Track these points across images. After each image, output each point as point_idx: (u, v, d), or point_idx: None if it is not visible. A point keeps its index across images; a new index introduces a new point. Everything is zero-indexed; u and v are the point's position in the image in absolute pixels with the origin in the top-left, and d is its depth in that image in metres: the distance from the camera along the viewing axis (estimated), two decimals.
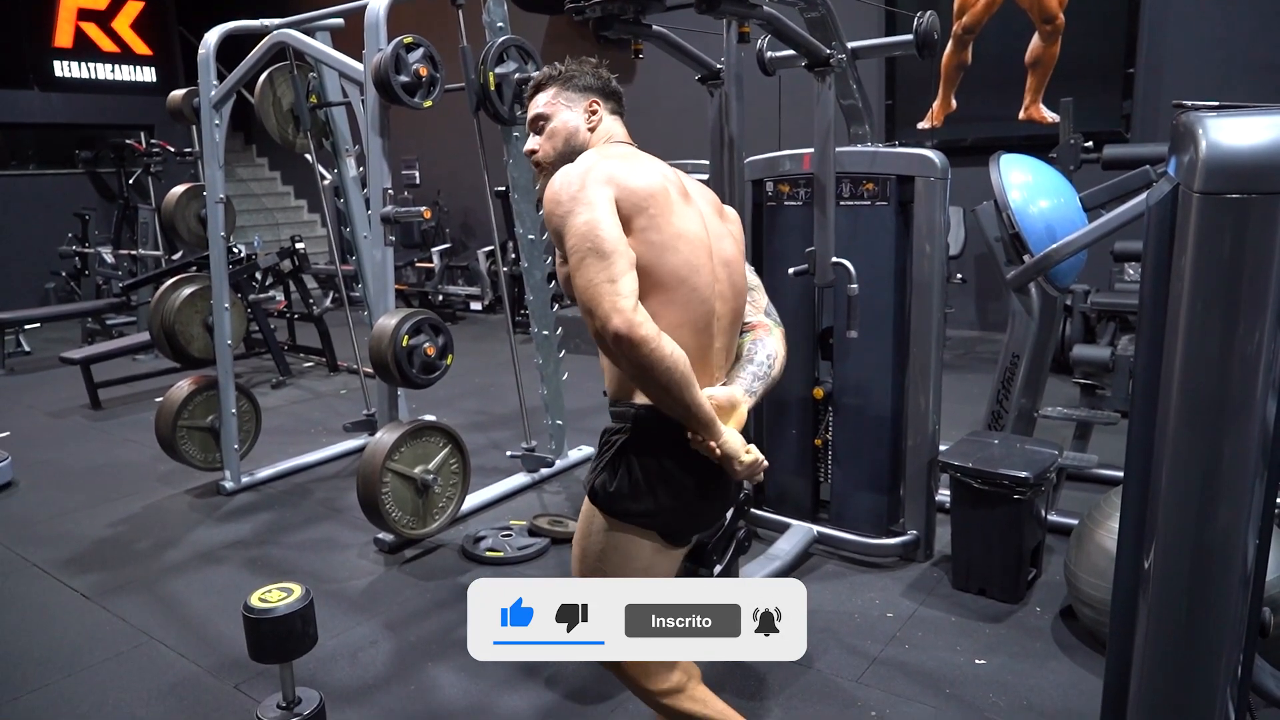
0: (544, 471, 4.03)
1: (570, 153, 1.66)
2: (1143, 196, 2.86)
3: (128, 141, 8.66)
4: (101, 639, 2.81)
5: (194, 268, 5.68)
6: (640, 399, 1.56)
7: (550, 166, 1.66)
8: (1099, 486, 3.52)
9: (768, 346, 1.70)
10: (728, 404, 1.56)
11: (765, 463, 1.56)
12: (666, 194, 1.55)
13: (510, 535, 3.37)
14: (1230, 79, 5.50)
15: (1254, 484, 1.24)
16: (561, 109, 1.69)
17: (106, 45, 10.29)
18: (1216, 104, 1.23)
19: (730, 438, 1.51)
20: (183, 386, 4.03)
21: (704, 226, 1.60)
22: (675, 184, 1.60)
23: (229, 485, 4.04)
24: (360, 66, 3.27)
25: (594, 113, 1.70)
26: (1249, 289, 1.15)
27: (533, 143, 1.72)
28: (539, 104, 1.71)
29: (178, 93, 4.09)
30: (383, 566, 3.26)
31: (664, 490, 1.56)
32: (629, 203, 1.49)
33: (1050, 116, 6.07)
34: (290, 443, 4.72)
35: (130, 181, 8.77)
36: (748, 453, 1.52)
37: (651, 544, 1.60)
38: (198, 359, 4.11)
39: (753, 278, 1.80)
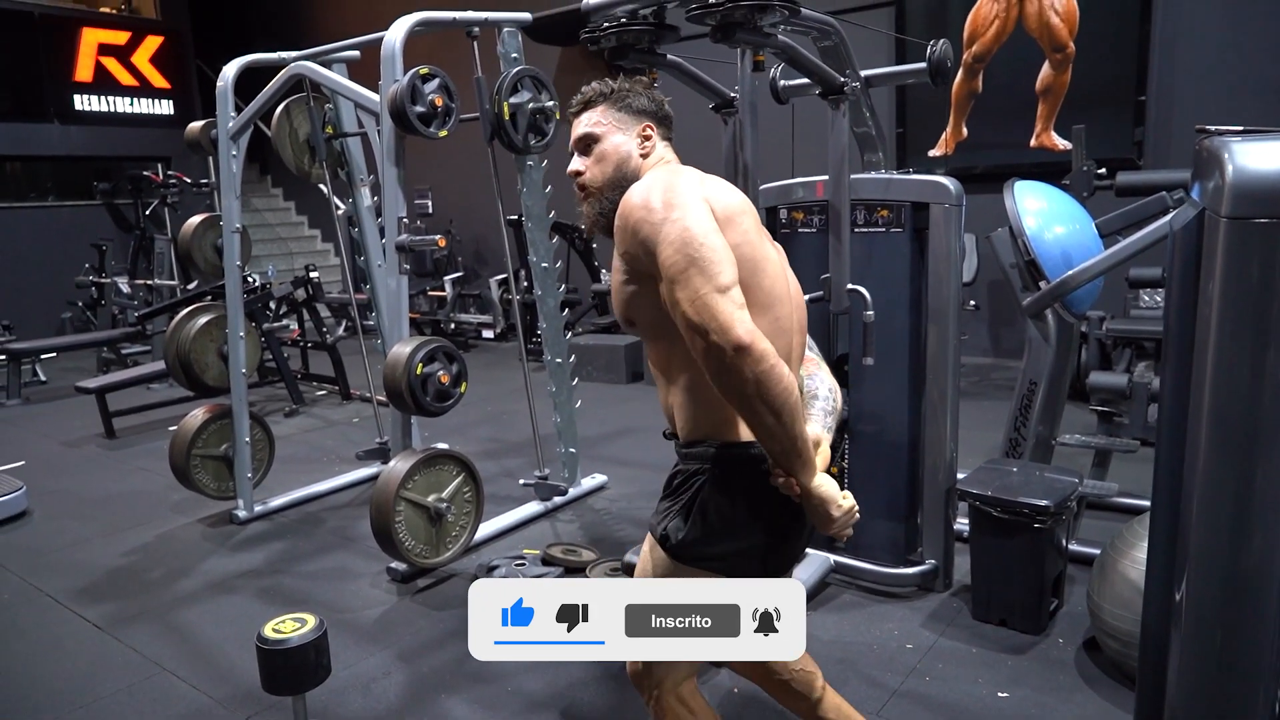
0: (557, 500, 4.01)
1: (621, 180, 1.55)
2: (1161, 221, 2.85)
3: (145, 173, 8.78)
4: (113, 670, 2.80)
5: (209, 297, 5.72)
6: (724, 436, 1.48)
7: (598, 193, 1.58)
8: (1120, 515, 3.47)
9: (826, 381, 1.65)
10: (814, 443, 1.47)
11: (858, 513, 1.47)
12: (751, 207, 1.51)
13: (524, 564, 3.34)
14: (1242, 103, 5.50)
15: None
16: (613, 131, 1.59)
17: (126, 79, 10.46)
18: (1241, 128, 1.23)
19: (825, 481, 1.42)
20: (197, 415, 4.04)
21: (780, 254, 1.58)
22: (745, 197, 1.56)
23: (242, 514, 4.04)
24: (376, 97, 3.30)
25: (648, 138, 1.59)
26: (1279, 313, 1.13)
27: (578, 164, 1.61)
28: (586, 122, 1.60)
29: (195, 125, 4.15)
30: (396, 596, 3.23)
31: (739, 536, 1.50)
32: (722, 215, 1.42)
33: (1062, 144, 6.08)
34: (303, 471, 4.72)
35: (147, 212, 8.88)
36: (845, 498, 1.43)
37: None
38: (212, 388, 4.12)
39: None
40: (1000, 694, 2.41)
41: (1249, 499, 1.21)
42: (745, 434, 1.47)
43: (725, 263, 1.34)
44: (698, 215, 1.37)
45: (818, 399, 1.61)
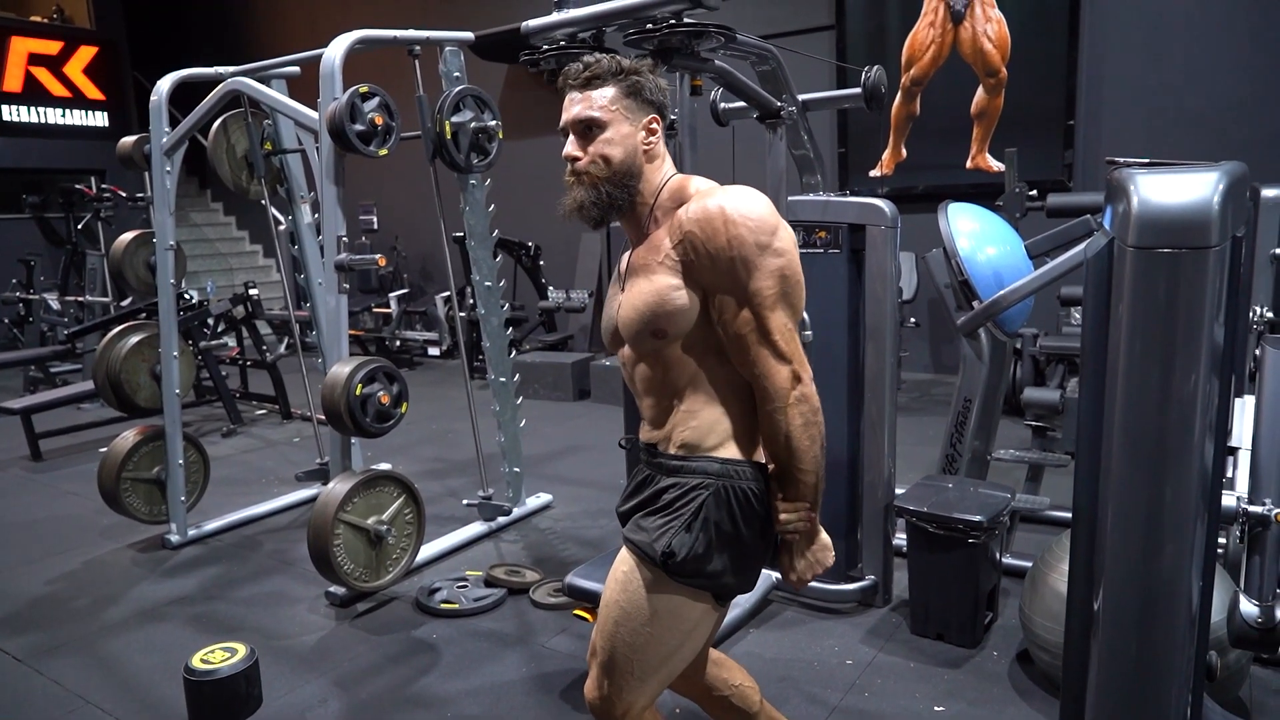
0: (501, 520, 3.98)
1: (625, 175, 1.49)
2: (1081, 247, 2.94)
3: (77, 186, 8.52)
4: (34, 704, 2.68)
5: (144, 315, 5.57)
6: (724, 453, 1.49)
7: (599, 182, 1.49)
8: (1052, 528, 3.56)
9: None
10: None
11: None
12: None
13: (466, 586, 3.30)
14: (1165, 130, 5.75)
15: (1196, 525, 1.26)
16: (621, 120, 1.49)
17: (58, 90, 10.18)
18: (1147, 160, 1.28)
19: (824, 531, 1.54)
20: (128, 437, 3.92)
21: None
22: None
23: (175, 539, 3.92)
24: (315, 115, 3.26)
25: (653, 132, 1.51)
26: (1184, 337, 1.18)
27: (575, 148, 1.50)
28: (590, 104, 1.48)
29: (128, 139, 4.05)
30: (334, 621, 3.17)
31: (735, 552, 1.50)
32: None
33: (996, 165, 6.27)
34: (240, 493, 4.61)
35: (79, 227, 8.62)
36: (831, 551, 1.56)
37: (703, 605, 1.54)
38: (144, 408, 4.00)
39: None
40: (936, 708, 2.45)
41: (1159, 511, 1.26)
42: (747, 452, 1.52)
43: (803, 301, 1.47)
44: (794, 248, 1.45)
45: None
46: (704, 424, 1.50)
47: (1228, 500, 1.76)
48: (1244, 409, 2.34)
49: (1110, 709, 1.35)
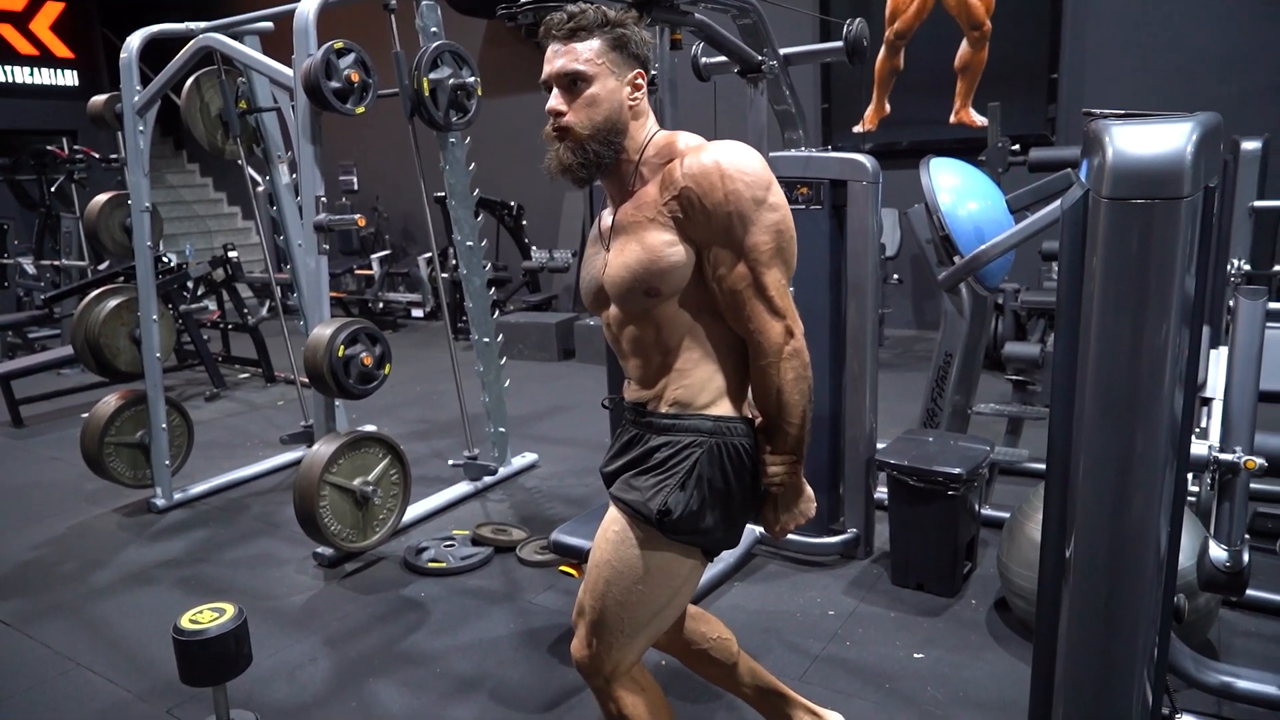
0: (487, 480, 4.00)
1: (610, 131, 1.45)
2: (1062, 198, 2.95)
3: (49, 148, 8.35)
4: (24, 667, 2.70)
5: (121, 278, 5.50)
6: (717, 410, 1.50)
7: (581, 140, 1.45)
8: (1031, 480, 3.62)
9: None
10: None
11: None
12: None
13: (453, 545, 3.33)
14: (1148, 84, 5.73)
15: (1165, 473, 1.29)
16: (607, 75, 1.44)
17: (24, 48, 9.93)
18: (1122, 112, 1.28)
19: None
20: (109, 402, 3.90)
21: None
22: None
23: (160, 503, 3.92)
24: (290, 72, 3.20)
25: (638, 87, 1.48)
26: (1155, 288, 1.20)
27: (559, 102, 1.45)
28: (575, 56, 1.43)
29: (99, 98, 3.96)
30: (322, 581, 3.19)
31: (726, 508, 1.52)
32: None
33: (979, 120, 6.24)
34: (225, 457, 4.61)
35: (52, 189, 8.46)
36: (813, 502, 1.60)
37: (693, 560, 1.56)
38: (125, 373, 3.98)
39: None
40: (916, 655, 2.51)
41: (1130, 461, 1.28)
42: (737, 408, 1.54)
43: (795, 256, 1.48)
44: (786, 204, 1.46)
45: None
46: (696, 381, 1.51)
47: (1199, 449, 1.80)
48: (1219, 360, 2.38)
49: (1081, 651, 1.39)
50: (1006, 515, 2.78)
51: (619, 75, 1.46)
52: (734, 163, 1.41)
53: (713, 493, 1.50)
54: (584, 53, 1.43)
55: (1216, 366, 2.35)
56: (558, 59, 1.45)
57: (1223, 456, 1.79)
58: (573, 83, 1.45)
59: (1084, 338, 1.29)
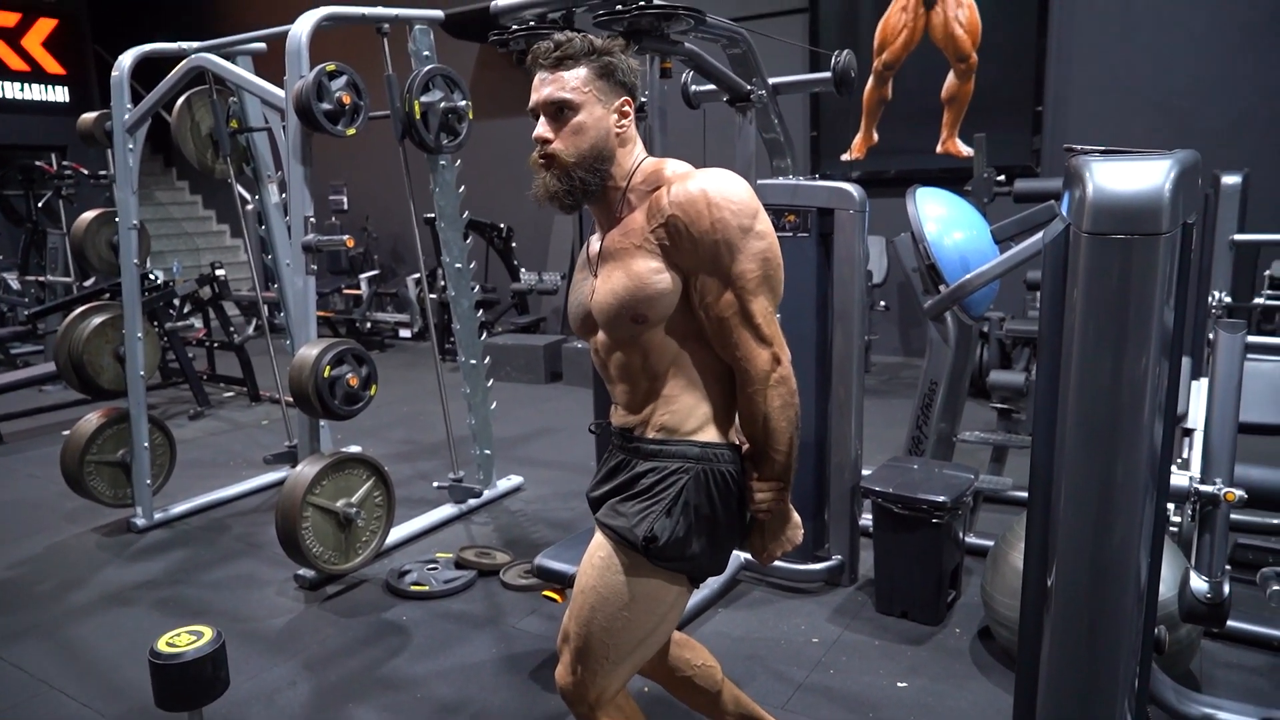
0: (472, 502, 3.98)
1: (596, 159, 1.47)
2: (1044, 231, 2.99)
3: (37, 163, 8.33)
4: None
5: (107, 295, 5.48)
6: (703, 436, 1.51)
7: (567, 168, 1.47)
8: (1015, 508, 3.63)
9: None
10: None
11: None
12: None
13: (436, 568, 3.31)
14: (1132, 116, 5.82)
15: (1145, 503, 1.30)
16: (594, 103, 1.46)
17: (16, 63, 9.92)
18: (1103, 148, 1.31)
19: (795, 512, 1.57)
20: (91, 419, 3.87)
21: None
22: None
23: (140, 522, 3.88)
24: (281, 93, 3.22)
25: (625, 114, 1.49)
26: (1134, 321, 1.21)
27: (546, 130, 1.47)
28: (562, 85, 1.45)
29: (89, 115, 3.96)
30: (303, 604, 3.16)
31: (713, 534, 1.51)
32: None
33: (966, 150, 6.32)
34: (208, 476, 4.56)
35: (39, 204, 8.43)
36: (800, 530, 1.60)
37: (678, 587, 1.55)
38: (108, 390, 3.95)
39: None
40: (900, 684, 2.50)
41: (1110, 491, 1.29)
42: (724, 435, 1.54)
43: (782, 283, 1.49)
44: (773, 231, 1.47)
45: None
46: (683, 408, 1.51)
47: (1180, 480, 1.82)
48: (1200, 391, 2.40)
49: (1063, 681, 1.39)
50: (991, 543, 2.79)
51: (606, 103, 1.47)
52: (721, 191, 1.42)
53: (699, 519, 1.49)
54: (570, 81, 1.45)
55: (1197, 398, 2.38)
56: (545, 87, 1.47)
57: (1203, 488, 1.81)
58: (559, 110, 1.46)
59: (1065, 369, 1.30)
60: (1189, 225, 1.27)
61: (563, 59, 1.45)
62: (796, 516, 1.59)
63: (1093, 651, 1.35)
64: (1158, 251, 1.16)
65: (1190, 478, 1.83)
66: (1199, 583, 1.80)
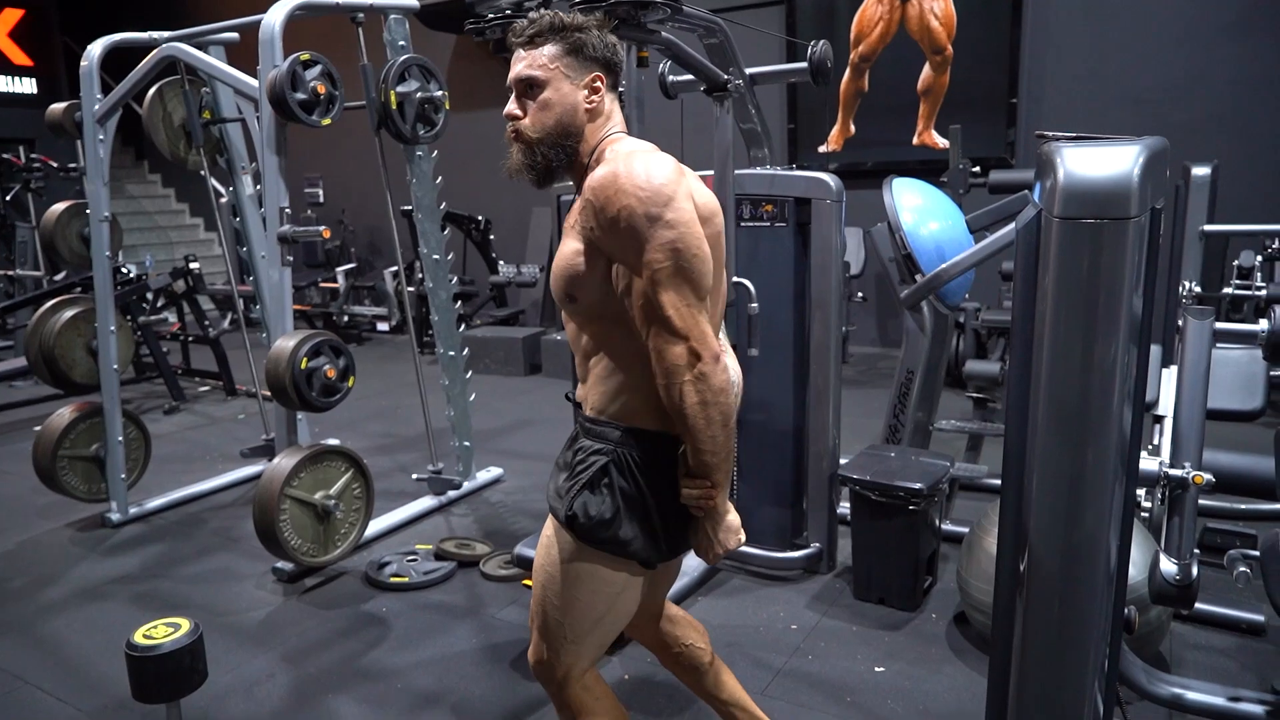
0: (451, 494, 3.98)
1: (562, 135, 1.48)
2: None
3: (5, 156, 8.18)
4: None
5: (78, 289, 5.40)
6: (628, 421, 1.48)
7: (534, 142, 1.48)
8: (990, 495, 3.68)
9: (734, 367, 1.59)
10: None
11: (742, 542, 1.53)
12: (720, 208, 1.52)
13: (416, 560, 3.30)
14: (1105, 109, 5.89)
15: (1114, 488, 1.32)
16: (560, 79, 1.46)
17: None
18: (1074, 135, 1.32)
19: (731, 509, 1.49)
20: (64, 414, 3.82)
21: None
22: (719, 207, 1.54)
23: (115, 517, 3.84)
24: (255, 83, 3.19)
25: (596, 90, 1.49)
26: (1104, 306, 1.23)
27: (513, 106, 1.50)
28: (531, 62, 1.47)
29: (57, 106, 3.90)
30: (281, 597, 3.14)
31: (645, 520, 1.48)
32: (702, 215, 1.43)
33: (941, 142, 6.37)
34: (184, 471, 4.52)
35: (8, 198, 8.29)
36: (741, 532, 1.50)
37: (626, 572, 1.53)
38: (81, 385, 3.90)
39: None
40: (877, 668, 2.53)
41: (1081, 477, 1.31)
42: (658, 422, 1.48)
43: (705, 275, 1.38)
44: (691, 220, 1.37)
45: None
46: (609, 390, 1.49)
47: (1150, 465, 1.85)
48: (1170, 378, 2.44)
49: (1035, 663, 1.42)
50: (966, 530, 2.83)
51: (574, 79, 1.47)
52: (631, 175, 1.36)
53: (627, 502, 1.47)
54: (539, 58, 1.47)
55: (1167, 385, 2.42)
56: (517, 64, 1.49)
57: (1172, 472, 1.84)
58: (529, 87, 1.48)
59: (1037, 355, 1.32)
60: (1157, 211, 1.29)
61: (534, 36, 1.47)
62: (733, 519, 1.50)
63: (1064, 633, 1.37)
64: (1127, 236, 1.18)
65: (1160, 462, 1.86)
66: (1168, 565, 1.84)
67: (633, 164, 1.39)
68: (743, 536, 1.52)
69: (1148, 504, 2.66)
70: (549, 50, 1.46)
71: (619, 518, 1.47)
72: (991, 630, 1.62)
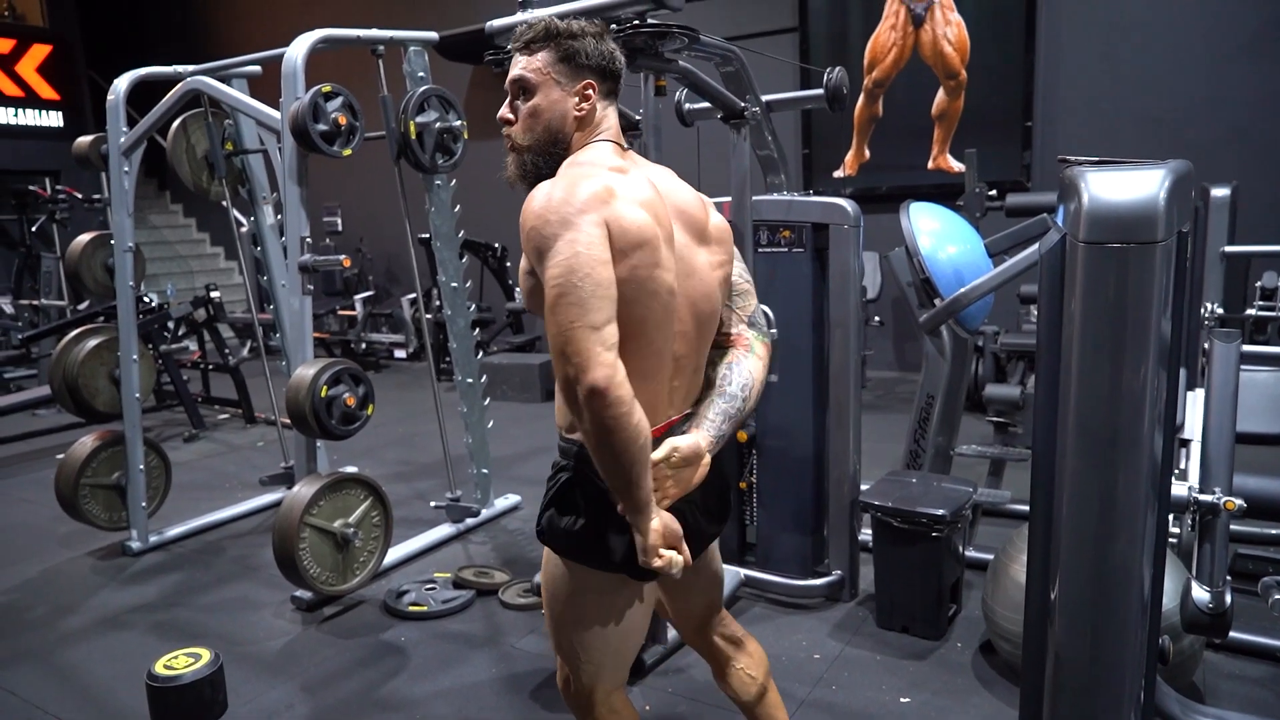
0: (469, 521, 3.97)
1: (549, 142, 1.48)
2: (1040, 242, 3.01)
3: (31, 188, 8.33)
4: None
5: (101, 318, 5.46)
6: (577, 435, 1.47)
7: (522, 150, 1.50)
8: (1013, 521, 3.63)
9: (743, 373, 1.56)
10: (693, 456, 1.44)
11: (678, 567, 1.40)
12: (656, 237, 1.40)
13: (434, 588, 3.28)
14: (1120, 131, 5.87)
15: (1146, 514, 1.30)
16: (550, 85, 1.47)
17: (10, 89, 9.94)
18: (1097, 159, 1.32)
19: (653, 533, 1.37)
20: (86, 442, 3.85)
21: (684, 266, 1.48)
22: (662, 214, 1.44)
23: (135, 545, 3.85)
24: (277, 114, 3.23)
25: (586, 98, 1.48)
26: (1132, 330, 1.22)
27: (505, 109, 1.51)
28: (527, 67, 1.47)
29: (84, 139, 3.98)
30: (300, 626, 3.14)
31: (623, 529, 1.43)
32: (618, 245, 1.35)
33: (957, 166, 6.37)
34: (203, 499, 4.54)
35: (33, 229, 8.43)
36: (659, 557, 1.37)
37: (615, 585, 1.52)
38: (103, 413, 3.93)
39: (742, 278, 1.63)
40: (902, 699, 2.49)
41: (1112, 504, 1.29)
42: None
43: (602, 299, 1.30)
44: (588, 242, 1.31)
45: (723, 398, 1.53)
46: (563, 406, 1.48)
47: (1180, 490, 1.82)
48: (1196, 402, 2.41)
49: (1067, 695, 1.39)
50: (990, 557, 2.79)
51: (566, 86, 1.47)
52: (547, 194, 1.35)
53: (592, 514, 1.47)
54: (534, 63, 1.47)
55: (1194, 408, 2.38)
56: (514, 68, 1.50)
57: (1202, 497, 1.81)
58: (521, 90, 1.49)
59: (1064, 380, 1.30)
60: (1184, 234, 1.27)
61: (529, 42, 1.48)
62: (649, 542, 1.38)
63: (1097, 664, 1.35)
64: (1154, 259, 1.17)
65: (1189, 487, 1.83)
66: (1200, 593, 1.80)
67: (556, 183, 1.38)
68: (665, 563, 1.38)
69: (1176, 530, 2.62)
70: (542, 56, 1.47)
71: (588, 530, 1.48)
72: (1022, 661, 1.59)
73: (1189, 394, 2.49)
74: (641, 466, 1.34)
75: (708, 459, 1.48)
